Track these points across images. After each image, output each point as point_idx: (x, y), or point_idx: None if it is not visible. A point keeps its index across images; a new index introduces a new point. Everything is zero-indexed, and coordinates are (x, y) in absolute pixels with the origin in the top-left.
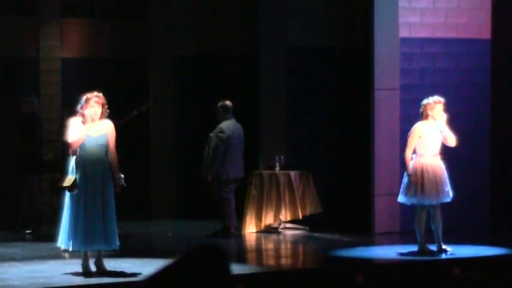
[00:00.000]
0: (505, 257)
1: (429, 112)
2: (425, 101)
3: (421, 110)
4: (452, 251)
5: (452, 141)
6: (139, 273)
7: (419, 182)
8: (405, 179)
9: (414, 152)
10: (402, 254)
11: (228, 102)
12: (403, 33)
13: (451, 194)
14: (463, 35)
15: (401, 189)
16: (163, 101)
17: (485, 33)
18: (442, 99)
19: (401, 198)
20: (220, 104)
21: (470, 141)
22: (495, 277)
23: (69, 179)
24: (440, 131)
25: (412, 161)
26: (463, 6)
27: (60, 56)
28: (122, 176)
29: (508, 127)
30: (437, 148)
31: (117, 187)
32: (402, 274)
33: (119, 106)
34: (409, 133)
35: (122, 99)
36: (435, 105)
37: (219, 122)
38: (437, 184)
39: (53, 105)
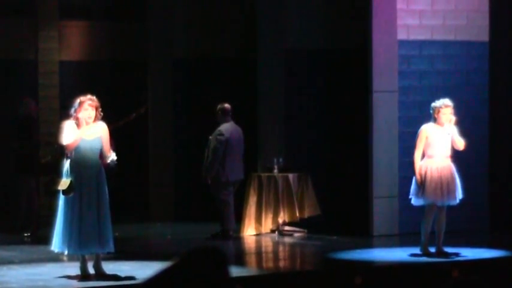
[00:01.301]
0: (504, 259)
1: (436, 116)
2: (433, 104)
3: (431, 111)
4: (452, 253)
5: (460, 144)
6: (137, 276)
7: (423, 182)
8: (414, 181)
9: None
10: (401, 256)
11: (226, 105)
12: (402, 35)
13: (459, 197)
14: (461, 37)
15: (411, 191)
16: (161, 103)
17: (484, 35)
18: (450, 104)
19: (412, 200)
20: (219, 106)
21: (469, 143)
22: (494, 279)
23: (65, 182)
24: (449, 133)
25: (421, 162)
26: (461, 9)
27: (59, 58)
28: (113, 154)
29: (506, 129)
30: (447, 150)
31: (105, 160)
32: (401, 276)
33: (117, 108)
34: (417, 135)
35: (121, 101)
36: (441, 110)
37: (218, 125)
38: (442, 186)
39: (51, 107)
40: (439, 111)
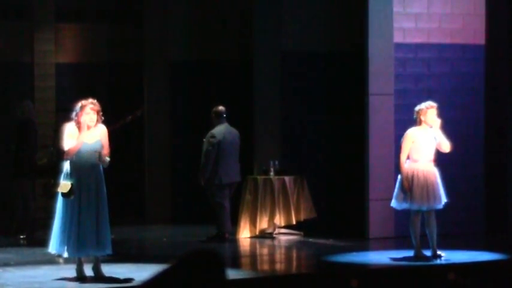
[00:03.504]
0: (500, 262)
1: (422, 117)
2: (418, 107)
3: (414, 116)
4: (447, 256)
5: (446, 147)
6: (134, 279)
7: (410, 187)
8: (397, 184)
9: (408, 157)
10: (396, 259)
11: (220, 108)
12: (398, 38)
13: (443, 200)
14: (457, 40)
15: (394, 194)
16: (157, 105)
17: (480, 39)
18: (434, 104)
19: (393, 203)
20: (213, 109)
21: (465, 146)
22: (490, 282)
23: (65, 185)
24: (435, 137)
25: (405, 166)
26: (457, 12)
27: (55, 60)
28: (108, 158)
29: (502, 132)
30: (431, 154)
31: (102, 157)
32: (396, 279)
33: (113, 111)
34: (402, 139)
35: (116, 104)
36: (427, 111)
37: (213, 127)
38: (428, 190)
39: (47, 110)
40: (425, 113)
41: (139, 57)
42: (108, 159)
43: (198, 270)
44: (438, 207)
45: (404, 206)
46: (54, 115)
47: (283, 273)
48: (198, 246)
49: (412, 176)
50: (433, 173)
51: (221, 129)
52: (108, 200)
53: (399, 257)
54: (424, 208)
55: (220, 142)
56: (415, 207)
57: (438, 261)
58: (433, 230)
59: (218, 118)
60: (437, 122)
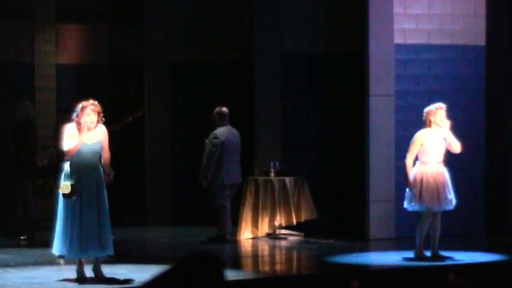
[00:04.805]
0: (500, 263)
1: (431, 118)
2: (427, 108)
3: (423, 118)
4: (447, 257)
5: (457, 147)
6: (134, 280)
7: (419, 189)
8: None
9: (417, 159)
10: (397, 260)
11: (224, 109)
12: (398, 39)
13: (453, 201)
14: (457, 41)
15: (405, 195)
16: (158, 106)
17: (480, 40)
18: (443, 105)
19: (405, 205)
20: (216, 110)
21: (465, 148)
22: (490, 283)
23: (66, 185)
24: (444, 138)
25: (414, 168)
26: (457, 13)
27: (55, 61)
28: (113, 172)
29: (502, 133)
30: (441, 155)
31: (106, 176)
32: (397, 280)
33: (113, 112)
34: (411, 140)
35: (117, 105)
36: (437, 111)
37: (215, 128)
38: (438, 191)
39: (47, 111)
40: (435, 114)
41: (140, 58)
42: (112, 174)
43: (197, 272)
44: (449, 209)
45: (416, 207)
46: (54, 116)
47: (283, 274)
48: (198, 248)
49: (421, 178)
50: (443, 175)
51: (223, 130)
52: (108, 200)
53: (400, 257)
54: (435, 209)
55: (223, 143)
56: (424, 208)
57: (438, 262)
58: (436, 231)
59: (221, 119)
60: (447, 123)
